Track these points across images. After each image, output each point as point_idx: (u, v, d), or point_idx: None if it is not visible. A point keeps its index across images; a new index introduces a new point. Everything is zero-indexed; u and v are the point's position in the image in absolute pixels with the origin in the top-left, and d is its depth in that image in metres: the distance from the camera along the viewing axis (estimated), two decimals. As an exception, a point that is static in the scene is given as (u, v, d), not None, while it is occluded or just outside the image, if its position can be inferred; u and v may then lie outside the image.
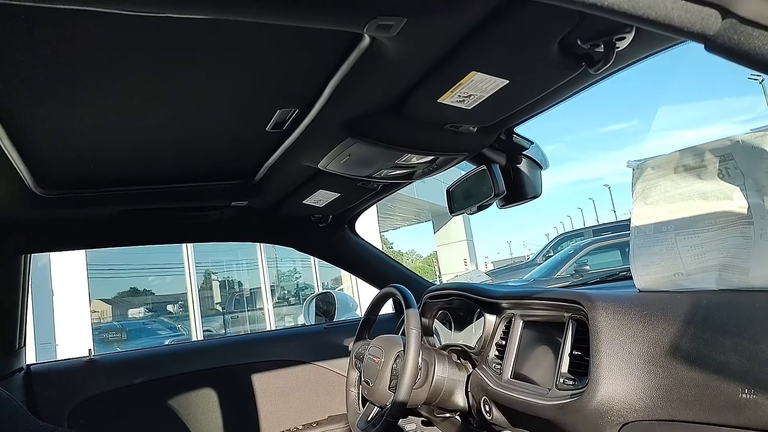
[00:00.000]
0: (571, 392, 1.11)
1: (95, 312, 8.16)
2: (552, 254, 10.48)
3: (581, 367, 1.14)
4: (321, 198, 1.69)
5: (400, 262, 2.35)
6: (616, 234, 9.00)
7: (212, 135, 1.23)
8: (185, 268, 8.77)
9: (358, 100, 1.06)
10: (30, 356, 1.82)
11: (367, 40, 0.83)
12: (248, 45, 0.85)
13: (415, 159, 1.30)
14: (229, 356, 2.01)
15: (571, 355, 1.18)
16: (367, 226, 9.91)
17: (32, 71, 0.84)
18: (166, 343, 8.64)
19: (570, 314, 1.22)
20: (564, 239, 12.12)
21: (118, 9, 0.63)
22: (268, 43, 0.85)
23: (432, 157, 1.31)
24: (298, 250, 2.20)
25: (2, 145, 1.01)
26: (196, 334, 8.63)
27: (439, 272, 18.74)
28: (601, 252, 8.04)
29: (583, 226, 14.48)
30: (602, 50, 0.84)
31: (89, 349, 1.87)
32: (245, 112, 1.12)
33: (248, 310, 10.48)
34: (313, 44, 0.87)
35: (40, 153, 1.14)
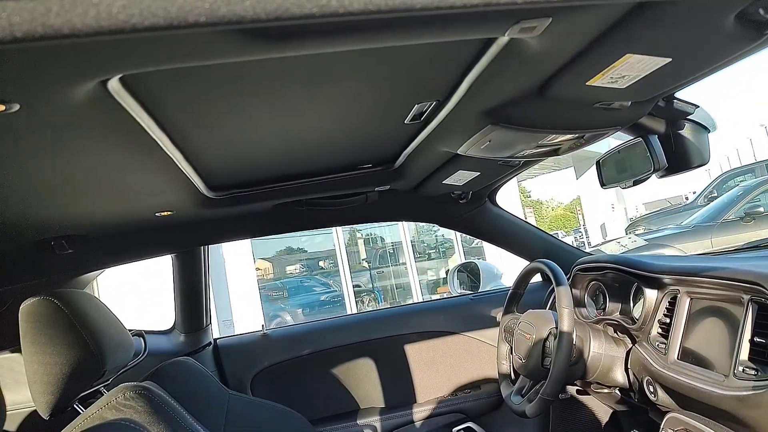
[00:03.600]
0: (753, 383, 1.02)
1: (258, 269, 9.02)
2: (716, 195, 9.34)
3: (765, 356, 1.04)
4: (461, 178, 1.68)
5: (539, 211, 2.27)
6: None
7: (354, 131, 1.28)
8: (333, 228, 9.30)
9: (497, 90, 1.02)
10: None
11: (507, 38, 0.79)
12: (387, 48, 0.85)
13: (560, 138, 1.23)
14: (383, 328, 2.13)
15: (751, 341, 1.08)
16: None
17: (202, 102, 0.94)
18: (322, 299, 9.37)
19: (750, 296, 1.10)
20: (730, 177, 10.68)
21: (283, 53, 0.68)
22: (406, 46, 0.85)
23: (579, 135, 1.23)
24: (440, 226, 2.23)
25: (178, 163, 1.15)
26: (347, 289, 9.20)
27: (584, 219, 17.75)
28: (779, 191, 7.01)
29: (754, 161, 12.54)
30: None
31: (262, 324, 2.11)
32: (384, 109, 1.14)
33: (392, 265, 10.89)
34: (451, 43, 0.85)
35: (209, 164, 1.29)
